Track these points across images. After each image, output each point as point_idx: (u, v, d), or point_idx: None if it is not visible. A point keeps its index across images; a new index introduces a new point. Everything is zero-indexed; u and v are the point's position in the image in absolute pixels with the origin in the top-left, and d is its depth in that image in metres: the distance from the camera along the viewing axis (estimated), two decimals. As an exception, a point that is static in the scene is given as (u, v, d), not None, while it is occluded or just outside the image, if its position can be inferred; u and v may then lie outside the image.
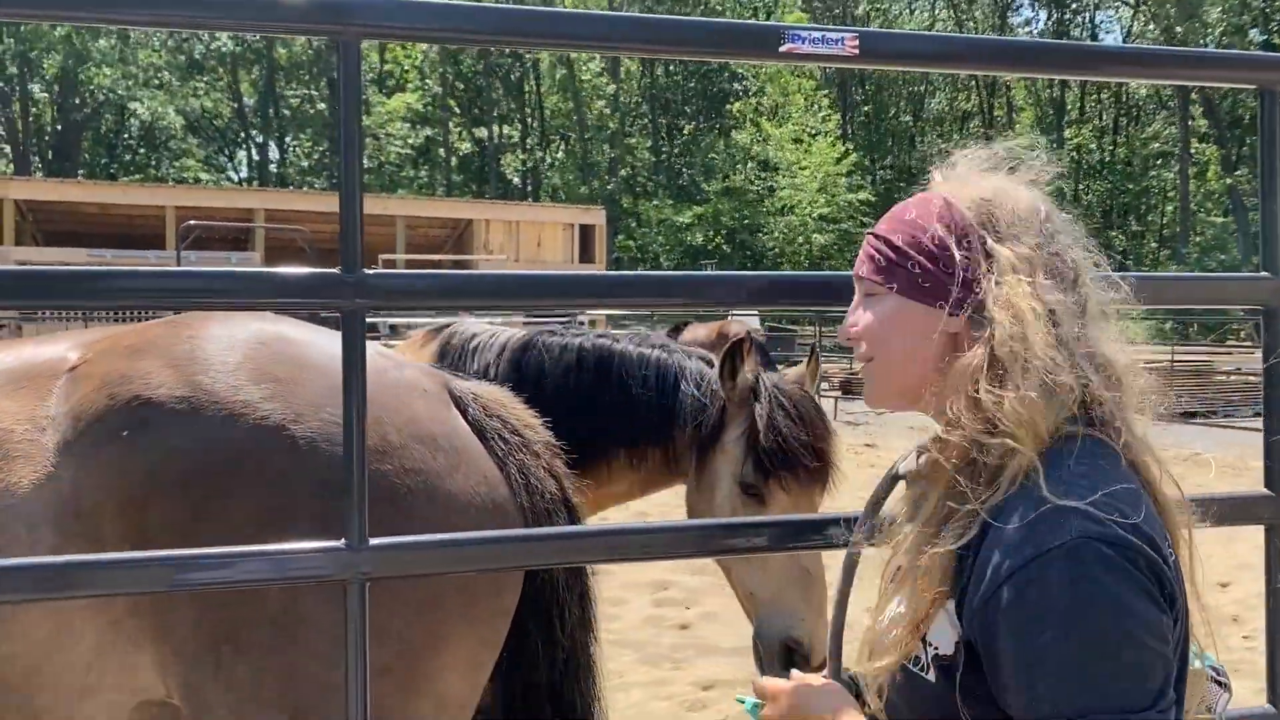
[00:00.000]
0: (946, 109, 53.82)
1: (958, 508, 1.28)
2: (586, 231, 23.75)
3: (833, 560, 1.80)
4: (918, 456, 1.63)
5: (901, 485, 1.56)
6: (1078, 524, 1.19)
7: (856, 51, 1.74)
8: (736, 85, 47.04)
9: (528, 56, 48.35)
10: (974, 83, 51.47)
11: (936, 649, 1.28)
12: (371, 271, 1.58)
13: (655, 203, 43.10)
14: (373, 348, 2.17)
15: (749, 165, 41.32)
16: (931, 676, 1.28)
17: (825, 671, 1.59)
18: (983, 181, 1.46)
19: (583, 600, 2.32)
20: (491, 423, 2.19)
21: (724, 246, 40.69)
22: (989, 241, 1.38)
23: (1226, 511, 1.77)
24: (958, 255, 1.37)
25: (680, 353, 3.15)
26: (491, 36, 1.68)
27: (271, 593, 1.80)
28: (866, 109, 53.22)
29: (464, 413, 2.18)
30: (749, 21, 1.66)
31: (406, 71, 48.24)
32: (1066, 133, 49.37)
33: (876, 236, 1.46)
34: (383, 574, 1.59)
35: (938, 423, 1.41)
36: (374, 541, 1.58)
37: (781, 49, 1.71)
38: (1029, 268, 1.37)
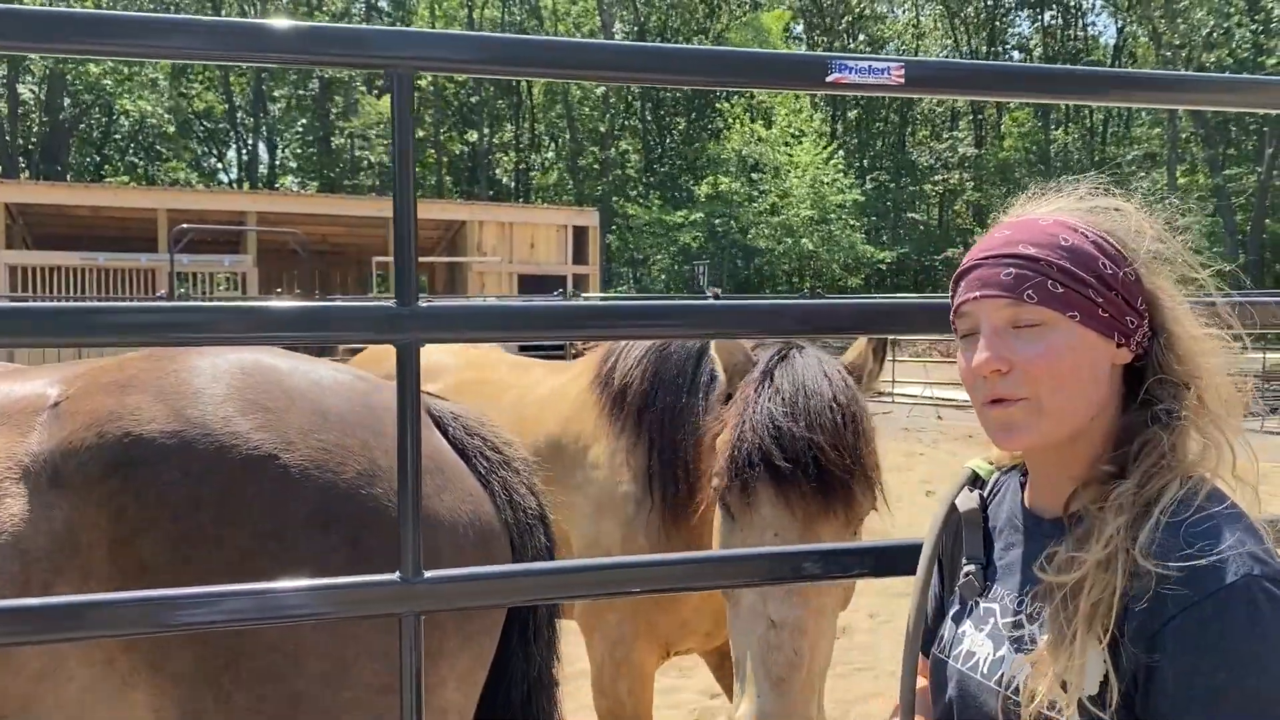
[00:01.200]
0: (935, 107, 53.93)
1: (1120, 548, 1.26)
2: (580, 233, 23.72)
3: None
4: (971, 489, 1.63)
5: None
6: (1243, 563, 1.20)
7: (903, 81, 1.74)
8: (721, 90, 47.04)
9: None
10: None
11: (1085, 691, 1.25)
12: (425, 305, 1.57)
13: (645, 204, 43.07)
14: (349, 371, 2.21)
15: (737, 167, 41.32)
16: (1071, 713, 1.26)
17: None
18: (1104, 214, 1.43)
19: (550, 623, 2.39)
20: (473, 441, 2.22)
21: (710, 247, 40.69)
22: (1142, 273, 1.37)
23: None
24: (1131, 284, 1.35)
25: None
26: (540, 69, 1.68)
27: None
28: (855, 110, 53.33)
29: (445, 433, 2.21)
30: (796, 53, 1.67)
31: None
32: (1055, 133, 49.62)
33: (1029, 259, 1.34)
34: (437, 607, 1.59)
35: (1076, 459, 1.38)
36: (428, 574, 1.58)
37: (829, 79, 1.72)
38: (1182, 299, 1.38)
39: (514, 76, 1.63)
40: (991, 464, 1.65)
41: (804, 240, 37.88)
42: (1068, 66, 1.74)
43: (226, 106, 47.50)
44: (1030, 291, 1.32)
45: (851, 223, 39.74)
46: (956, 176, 49.60)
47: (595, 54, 1.63)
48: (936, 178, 48.89)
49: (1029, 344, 1.33)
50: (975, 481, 1.64)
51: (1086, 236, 1.37)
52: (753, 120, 41.67)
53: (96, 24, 1.43)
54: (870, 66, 1.74)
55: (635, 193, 46.63)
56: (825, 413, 2.14)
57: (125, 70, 38.24)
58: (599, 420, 2.98)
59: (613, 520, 2.91)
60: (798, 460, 2.10)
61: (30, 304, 1.55)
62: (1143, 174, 44.69)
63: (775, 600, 2.05)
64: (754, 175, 40.60)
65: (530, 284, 21.92)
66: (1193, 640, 1.19)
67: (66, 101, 41.19)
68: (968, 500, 1.60)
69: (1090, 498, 1.35)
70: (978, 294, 1.37)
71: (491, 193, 46.19)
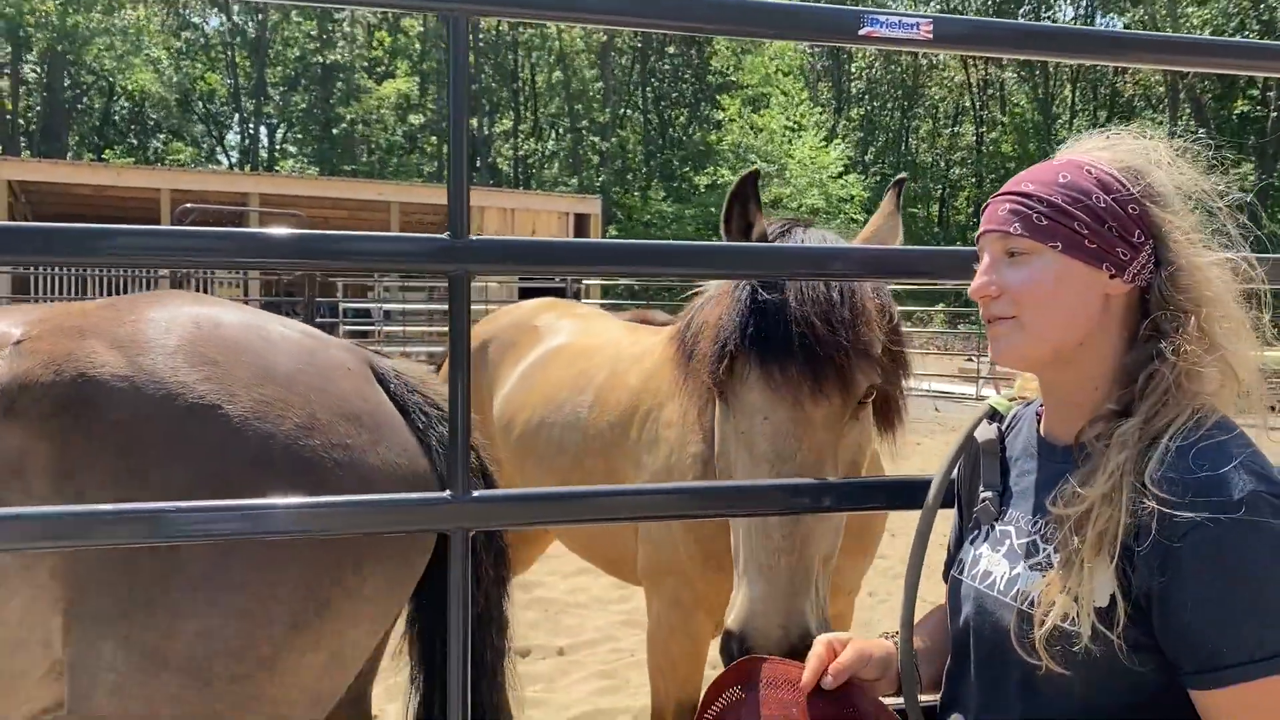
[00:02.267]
0: (939, 104, 53.98)
1: (1123, 482, 1.33)
2: (581, 220, 23.77)
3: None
4: (989, 422, 1.72)
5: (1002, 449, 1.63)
6: (1249, 481, 1.27)
7: (931, 36, 1.83)
8: (722, 79, 47.07)
9: (521, 45, 48.23)
10: (967, 80, 51.67)
11: (1095, 603, 1.32)
12: (475, 238, 1.66)
13: (646, 195, 43.10)
14: (301, 329, 2.32)
15: (736, 159, 41.35)
16: (1086, 630, 1.32)
17: (899, 645, 1.65)
18: (1124, 153, 1.49)
19: (497, 560, 2.48)
20: (413, 398, 2.34)
21: (711, 238, 40.73)
22: (1152, 209, 1.44)
23: None
24: (1126, 218, 1.42)
25: None
26: (584, 14, 1.77)
27: (198, 556, 1.92)
28: (860, 107, 53.36)
29: (387, 389, 2.32)
30: (830, 6, 1.75)
31: (395, 57, 48.10)
32: (1055, 126, 49.66)
33: (1025, 195, 1.46)
34: (484, 525, 1.68)
35: (1076, 385, 1.47)
36: (475, 494, 1.67)
37: (861, 32, 1.80)
38: (1196, 237, 1.44)
39: (568, 21, 1.71)
40: (1011, 400, 1.75)
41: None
42: (1098, 28, 1.81)
43: (230, 85, 47.44)
44: (1018, 224, 1.44)
45: (854, 217, 39.81)
46: (957, 171, 49.68)
47: (634, 3, 1.70)
48: (940, 173, 48.93)
49: (1016, 271, 1.45)
50: (994, 417, 1.73)
51: (1089, 173, 1.45)
52: (754, 112, 41.66)
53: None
54: (900, 21, 1.83)
55: (637, 184, 46.67)
56: (815, 285, 2.01)
57: (119, 47, 38.07)
58: (674, 378, 2.99)
59: (681, 480, 2.91)
60: (783, 336, 1.96)
61: (45, 224, 1.64)
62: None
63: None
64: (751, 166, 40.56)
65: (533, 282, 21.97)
66: (1204, 556, 1.26)
67: (67, 81, 41.11)
68: (986, 431, 1.69)
69: (1097, 432, 1.43)
70: (983, 229, 1.51)
71: (492, 180, 46.17)
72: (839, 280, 1.97)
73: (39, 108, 42.30)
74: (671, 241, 1.88)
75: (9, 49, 39.26)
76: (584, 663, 5.54)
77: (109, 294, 20.12)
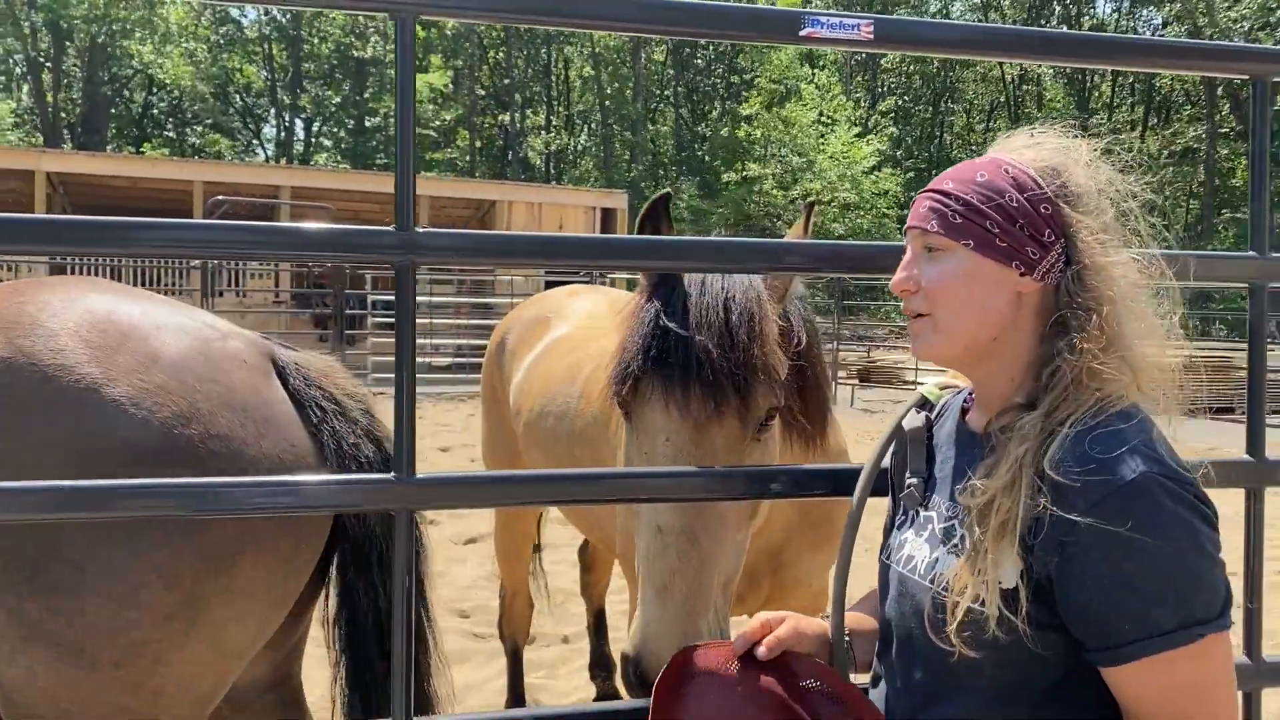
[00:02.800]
0: (973, 100, 53.54)
1: (1022, 474, 1.38)
2: (609, 215, 23.87)
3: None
4: (919, 410, 1.77)
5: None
6: (1141, 464, 1.32)
7: (871, 37, 1.88)
8: (747, 77, 46.97)
9: (555, 43, 48.40)
10: (1001, 75, 51.22)
11: (1001, 585, 1.37)
12: (421, 230, 1.73)
13: (679, 189, 43.11)
14: (206, 319, 2.36)
15: (765, 153, 41.23)
16: (993, 613, 1.37)
17: (830, 625, 1.69)
18: (1045, 152, 1.53)
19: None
20: (310, 392, 2.36)
21: (742, 233, 40.66)
22: (1064, 209, 1.47)
23: (1212, 476, 1.90)
24: (1037, 218, 1.46)
25: None
26: (528, 15, 1.83)
27: (72, 535, 1.96)
28: (894, 101, 53.00)
29: (286, 382, 2.35)
30: (771, 7, 1.80)
31: (431, 54, 48.41)
32: (1091, 122, 49.09)
33: (943, 193, 1.50)
34: (428, 505, 1.75)
35: (992, 379, 1.52)
36: (420, 475, 1.74)
37: (801, 33, 1.85)
38: (1109, 238, 1.47)
39: (505, 21, 1.77)
40: (942, 389, 1.80)
41: (835, 226, 37.77)
42: (1038, 29, 1.84)
43: (267, 78, 47.97)
44: (934, 222, 1.49)
45: (886, 211, 39.59)
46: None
47: (576, 3, 1.77)
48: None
49: (932, 267, 1.50)
50: (924, 405, 1.78)
51: (1006, 172, 1.49)
52: (778, 106, 41.47)
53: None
54: (841, 23, 1.88)
55: (667, 179, 46.67)
56: (716, 310, 2.02)
57: (157, 41, 38.60)
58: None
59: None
60: (683, 359, 1.99)
61: (83, 216, 1.71)
62: (1188, 167, 44.19)
63: (663, 507, 1.92)
64: (784, 162, 40.51)
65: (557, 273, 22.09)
66: (1098, 537, 1.31)
67: (106, 75, 41.77)
68: (913, 420, 1.74)
69: (1003, 424, 1.48)
70: (907, 224, 1.56)
71: (524, 175, 46.37)
72: (781, 275, 2.02)
73: (79, 101, 42.99)
74: (622, 236, 1.94)
75: (49, 42, 39.92)
76: (587, 651, 5.62)
77: (148, 286, 20.53)
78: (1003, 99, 52.72)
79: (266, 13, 44.83)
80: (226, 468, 2.05)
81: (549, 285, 19.05)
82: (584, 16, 1.86)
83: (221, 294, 21.51)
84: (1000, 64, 49.93)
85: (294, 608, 2.30)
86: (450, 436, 12.96)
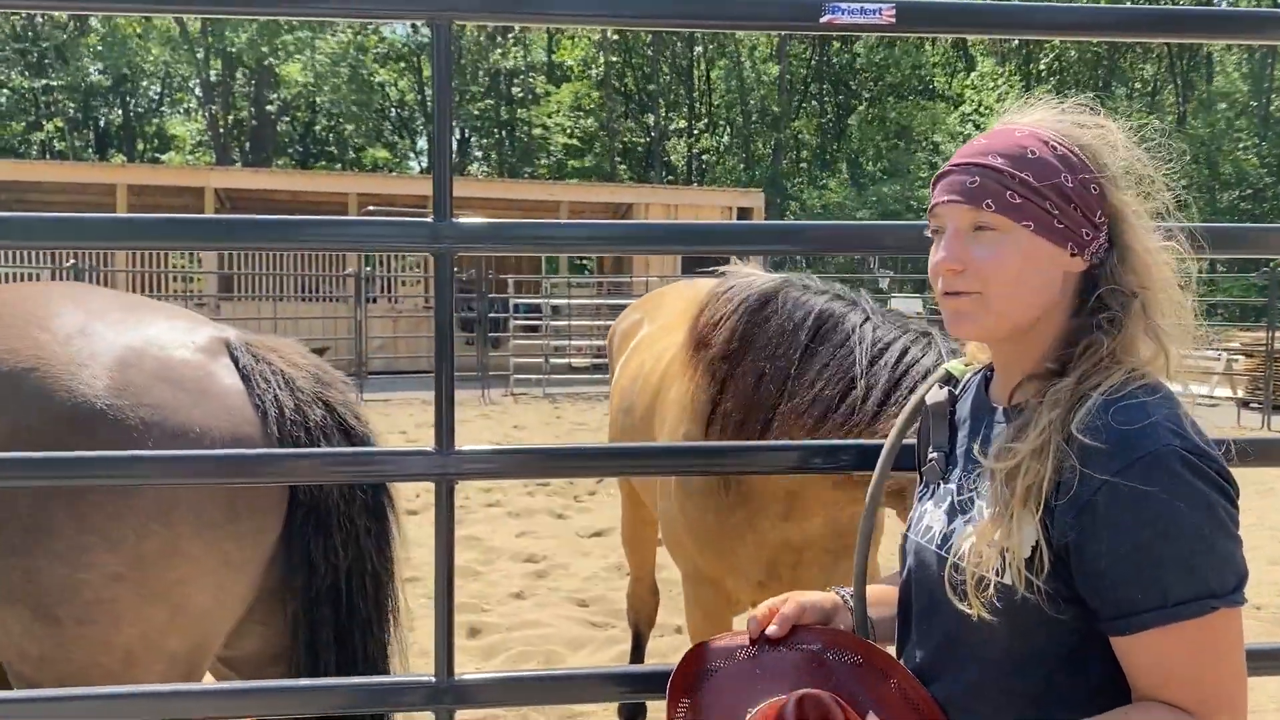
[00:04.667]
0: (1135, 86, 50.96)
1: (1052, 439, 1.39)
2: (744, 214, 23.84)
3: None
4: (941, 386, 1.80)
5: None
6: (1164, 435, 1.33)
7: (894, 20, 1.90)
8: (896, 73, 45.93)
9: (699, 42, 48.57)
10: (1169, 52, 48.60)
11: (1021, 553, 1.38)
12: (459, 220, 1.86)
13: (820, 186, 42.65)
14: (161, 308, 2.57)
15: (916, 145, 40.33)
16: (1011, 579, 1.39)
17: (853, 610, 1.73)
18: (1082, 131, 1.52)
19: (371, 512, 2.56)
20: (257, 366, 2.52)
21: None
22: (1111, 190, 1.48)
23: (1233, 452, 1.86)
24: (1091, 199, 1.46)
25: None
26: (564, 15, 1.94)
27: (22, 498, 2.16)
28: (1048, 86, 50.95)
29: (235, 360, 2.52)
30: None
31: (573, 65, 49.32)
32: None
33: (994, 170, 1.46)
34: (467, 476, 1.88)
35: (1025, 355, 1.52)
36: (460, 448, 1.87)
37: (822, 20, 1.90)
38: (1147, 220, 1.49)
39: (540, 23, 1.89)
40: (966, 365, 1.81)
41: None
42: (1066, 4, 1.81)
43: (417, 93, 49.77)
44: (990, 200, 1.44)
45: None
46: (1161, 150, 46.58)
47: (598, 2, 1.86)
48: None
49: (984, 247, 1.46)
50: (949, 380, 1.80)
51: (1054, 149, 1.48)
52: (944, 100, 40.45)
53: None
54: (862, 8, 1.91)
55: (811, 174, 46.22)
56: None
57: (318, 66, 40.55)
58: (683, 362, 3.17)
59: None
60: None
61: (245, 215, 1.96)
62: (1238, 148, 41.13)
63: None
64: (933, 154, 39.55)
65: (694, 264, 22.23)
66: (1117, 505, 1.32)
67: (272, 95, 44.14)
68: (936, 395, 1.76)
69: (1032, 391, 1.49)
70: (945, 198, 1.50)
71: (667, 177, 46.69)
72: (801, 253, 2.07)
73: (248, 121, 45.64)
74: (643, 221, 2.03)
75: (220, 66, 42.54)
76: (699, 640, 5.73)
77: (306, 263, 21.81)
78: (1166, 75, 49.98)
79: (414, 27, 46.59)
80: (156, 433, 2.26)
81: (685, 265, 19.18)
82: (613, 14, 1.95)
83: (374, 300, 22.50)
84: (1167, 44, 47.34)
85: (269, 582, 2.46)
86: (585, 435, 13.25)
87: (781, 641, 1.64)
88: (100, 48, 35.91)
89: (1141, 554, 1.31)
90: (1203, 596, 1.29)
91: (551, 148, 46.29)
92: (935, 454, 1.69)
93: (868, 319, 2.60)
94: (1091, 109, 1.57)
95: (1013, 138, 1.50)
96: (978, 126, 38.43)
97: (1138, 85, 50.34)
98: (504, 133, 49.37)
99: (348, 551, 2.49)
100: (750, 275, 2.93)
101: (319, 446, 2.42)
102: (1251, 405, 15.77)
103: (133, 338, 2.41)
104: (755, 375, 2.74)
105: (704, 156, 50.61)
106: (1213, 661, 1.32)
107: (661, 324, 4.08)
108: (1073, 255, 1.47)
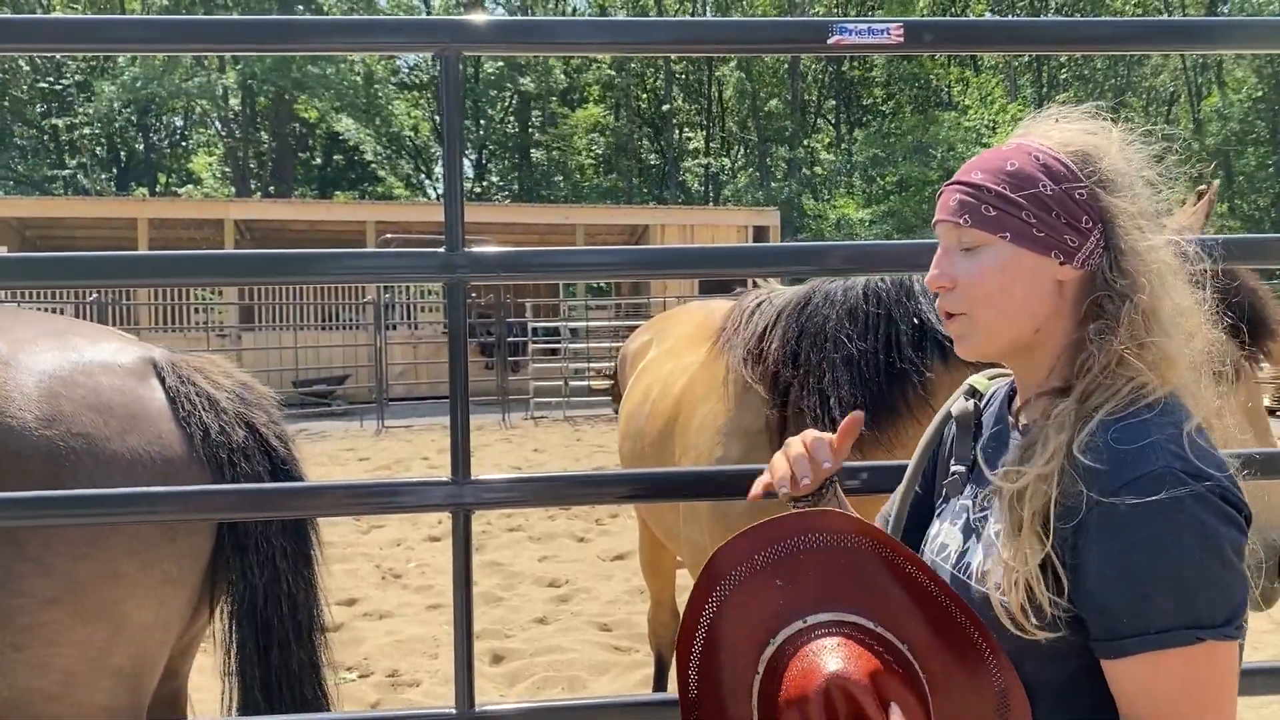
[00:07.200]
0: (1150, 103, 50.76)
1: (1063, 453, 1.36)
2: (760, 233, 23.83)
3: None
4: (967, 399, 1.77)
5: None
6: (1163, 457, 1.29)
7: (902, 40, 1.90)
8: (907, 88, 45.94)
9: (714, 63, 48.77)
10: (1182, 62, 48.40)
11: (1027, 575, 1.35)
12: (470, 250, 1.87)
13: (831, 201, 42.64)
14: (93, 329, 2.58)
15: (918, 152, 40.26)
16: (1018, 600, 1.36)
17: None
18: (1076, 135, 1.50)
19: (290, 533, 2.56)
20: (184, 388, 2.52)
21: (898, 239, 39.71)
22: (1100, 194, 1.44)
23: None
24: (1073, 204, 1.43)
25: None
26: (569, 45, 1.95)
27: None
28: (1072, 93, 50.81)
29: (163, 381, 2.52)
30: (797, 18, 1.85)
31: (590, 86, 49.61)
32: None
33: (973, 185, 1.46)
34: (483, 505, 1.87)
35: (1035, 369, 1.50)
36: (475, 478, 1.87)
37: (830, 41, 1.90)
38: (1144, 222, 1.44)
39: (546, 53, 1.90)
40: (990, 379, 1.79)
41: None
42: (1075, 19, 1.80)
43: (431, 126, 50.20)
44: (967, 216, 1.45)
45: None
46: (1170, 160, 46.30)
47: (606, 31, 1.88)
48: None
49: (967, 263, 1.46)
50: (974, 394, 1.77)
51: (1037, 159, 1.46)
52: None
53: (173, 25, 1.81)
54: (870, 28, 1.91)
55: (825, 192, 46.23)
56: None
57: (334, 99, 40.94)
58: (712, 380, 3.12)
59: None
60: None
61: (262, 250, 1.97)
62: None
63: None
64: (946, 164, 39.50)
65: (711, 284, 22.24)
66: (1110, 524, 1.29)
67: (292, 126, 44.62)
68: (961, 407, 1.74)
69: (1039, 410, 1.47)
70: (936, 218, 1.53)
71: (681, 198, 46.82)
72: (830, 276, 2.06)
73: (267, 154, 46.11)
74: (654, 247, 2.02)
75: (240, 99, 43.03)
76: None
77: (324, 291, 21.93)
78: (1181, 89, 49.78)
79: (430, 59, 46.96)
80: (87, 464, 2.26)
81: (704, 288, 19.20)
82: (624, 42, 1.96)
83: (394, 327, 22.61)
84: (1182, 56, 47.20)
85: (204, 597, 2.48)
86: (605, 457, 13.23)
87: (801, 533, 1.44)
88: (125, 78, 36.37)
89: (1130, 577, 1.27)
90: (1189, 626, 1.25)
91: (570, 169, 46.57)
92: (959, 467, 1.67)
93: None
94: (1098, 115, 1.54)
95: (1000, 154, 1.50)
96: (983, 143, 38.40)
97: (1152, 95, 50.14)
98: (521, 156, 49.66)
99: (264, 571, 2.50)
100: (764, 291, 2.94)
101: (240, 468, 2.45)
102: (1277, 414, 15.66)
103: (59, 365, 2.42)
104: (829, 367, 2.63)
105: (721, 176, 50.71)
106: (1197, 695, 1.27)
107: (667, 347, 4.08)
108: (1061, 263, 1.43)
